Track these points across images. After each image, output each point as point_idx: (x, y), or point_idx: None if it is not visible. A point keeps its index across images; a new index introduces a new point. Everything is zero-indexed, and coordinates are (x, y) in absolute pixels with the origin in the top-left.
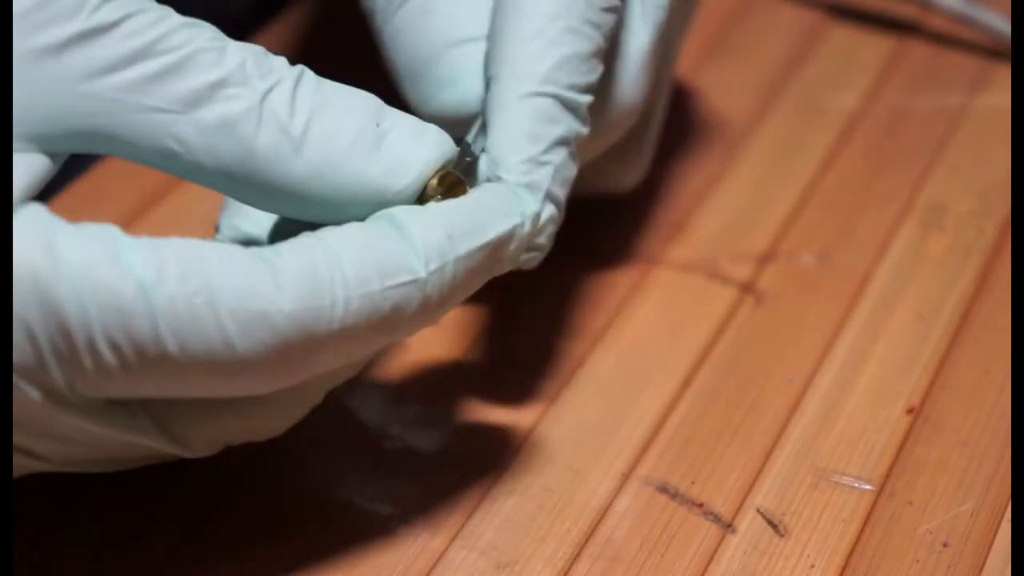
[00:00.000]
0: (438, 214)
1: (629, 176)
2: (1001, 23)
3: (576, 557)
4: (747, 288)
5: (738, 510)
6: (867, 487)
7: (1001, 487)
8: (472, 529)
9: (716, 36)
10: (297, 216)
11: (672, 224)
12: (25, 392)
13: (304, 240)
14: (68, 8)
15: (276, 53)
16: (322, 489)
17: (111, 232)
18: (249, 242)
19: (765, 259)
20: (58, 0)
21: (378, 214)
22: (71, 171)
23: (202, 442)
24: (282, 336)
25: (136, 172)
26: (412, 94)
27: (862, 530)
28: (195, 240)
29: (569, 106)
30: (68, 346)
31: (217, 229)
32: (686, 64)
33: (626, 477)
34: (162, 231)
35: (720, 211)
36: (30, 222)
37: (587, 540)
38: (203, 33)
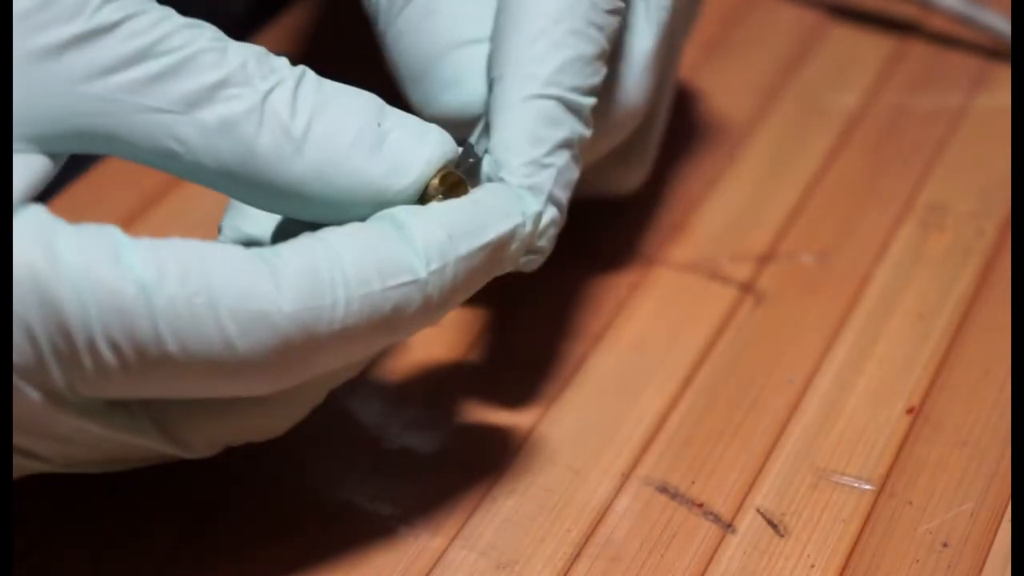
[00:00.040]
0: (439, 214)
1: (631, 178)
2: (1001, 23)
3: (576, 557)
4: (747, 288)
5: (738, 510)
6: (867, 487)
7: (1001, 487)
8: (472, 529)
9: (716, 36)
10: (298, 216)
11: (672, 224)
12: (25, 393)
13: (305, 240)
14: (69, 9)
15: (277, 53)
16: (322, 489)
17: (111, 233)
18: (251, 243)
19: (765, 259)
20: (59, 1)
21: (379, 214)
22: (71, 171)
23: (202, 443)
24: (282, 336)
25: (136, 172)
26: (414, 95)
27: (862, 530)
28: (195, 241)
29: (572, 108)
30: (68, 347)
31: (220, 230)
32: (686, 64)
33: (626, 477)
34: (162, 231)
35: (720, 211)
36: (30, 223)
37: (587, 540)
38: (204, 34)
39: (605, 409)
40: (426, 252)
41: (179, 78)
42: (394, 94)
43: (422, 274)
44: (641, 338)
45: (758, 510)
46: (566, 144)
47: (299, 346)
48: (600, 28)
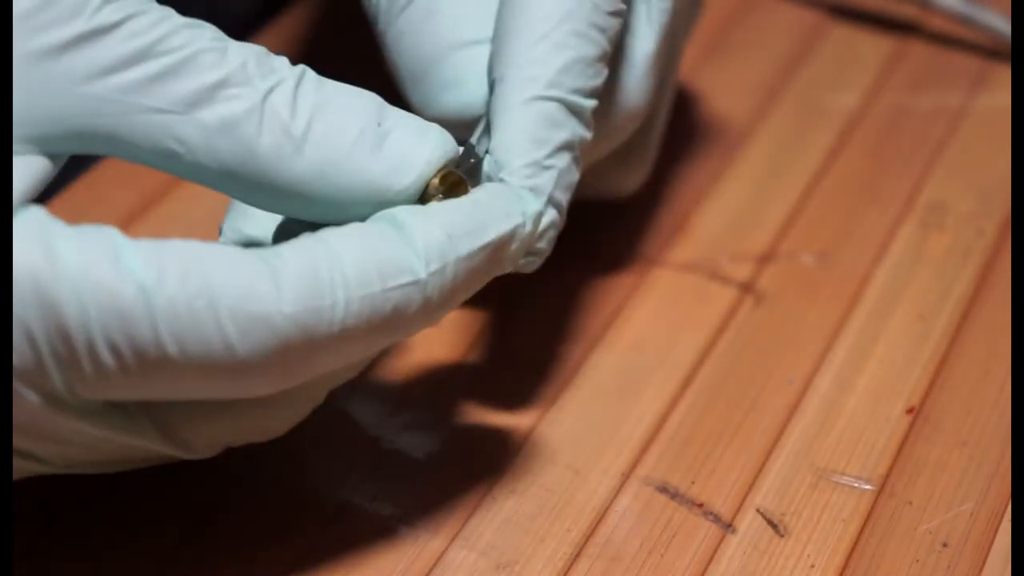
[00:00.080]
0: (439, 214)
1: (631, 180)
2: (1001, 23)
3: (576, 557)
4: (747, 288)
5: (738, 510)
6: (867, 487)
7: (1001, 487)
8: (472, 529)
9: (716, 36)
10: (299, 216)
11: (672, 224)
12: (24, 395)
13: (305, 241)
14: (69, 10)
15: (277, 53)
16: (322, 489)
17: (111, 234)
18: (252, 244)
19: (765, 259)
20: (59, 2)
21: (379, 214)
22: (71, 172)
23: (202, 444)
24: (282, 338)
25: (136, 172)
26: (415, 96)
27: (862, 530)
28: (195, 242)
29: (574, 110)
30: (67, 349)
31: (220, 232)
32: (686, 64)
33: (626, 477)
34: (162, 231)
35: (720, 211)
36: (30, 225)
37: (587, 540)
38: (204, 34)
39: (605, 409)
40: (426, 253)
41: (179, 78)
42: (394, 94)
43: (422, 275)
44: (641, 338)
45: (758, 510)
46: (567, 146)
47: (299, 347)
48: (602, 30)
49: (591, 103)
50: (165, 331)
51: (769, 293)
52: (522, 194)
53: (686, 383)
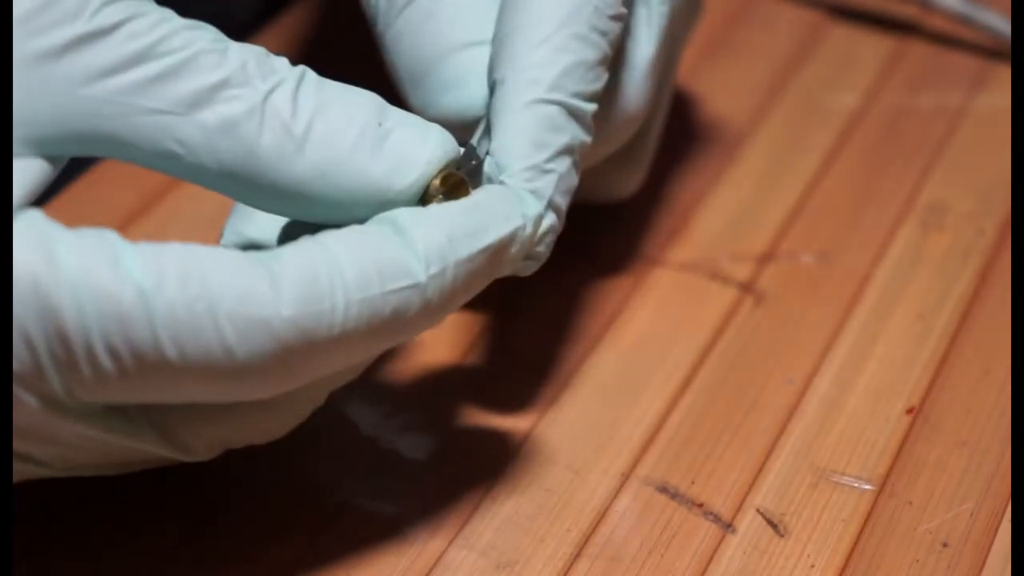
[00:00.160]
0: (439, 216)
1: (628, 183)
2: (1001, 23)
3: (576, 557)
4: (747, 288)
5: (738, 510)
6: (867, 487)
7: (1001, 487)
8: (472, 529)
9: (716, 36)
10: (300, 217)
11: (672, 224)
12: (23, 399)
13: (304, 244)
14: (69, 11)
15: (277, 54)
16: (322, 490)
17: (110, 238)
18: (254, 248)
19: (765, 259)
20: (59, 3)
21: (379, 216)
22: (70, 172)
23: (202, 446)
24: (282, 341)
25: (136, 173)
26: (414, 98)
27: (862, 530)
28: (194, 245)
29: (575, 114)
30: (66, 353)
31: (222, 235)
32: (686, 64)
33: (626, 477)
34: (162, 231)
35: (720, 211)
36: (29, 228)
37: (587, 540)
38: (204, 35)
39: (605, 409)
40: (426, 255)
41: (179, 79)
42: (394, 94)
43: (422, 277)
44: (641, 338)
45: (758, 510)
46: (567, 150)
47: (299, 350)
48: (603, 34)
49: (592, 107)
50: (164, 335)
51: (769, 293)
52: (523, 196)
53: (686, 383)
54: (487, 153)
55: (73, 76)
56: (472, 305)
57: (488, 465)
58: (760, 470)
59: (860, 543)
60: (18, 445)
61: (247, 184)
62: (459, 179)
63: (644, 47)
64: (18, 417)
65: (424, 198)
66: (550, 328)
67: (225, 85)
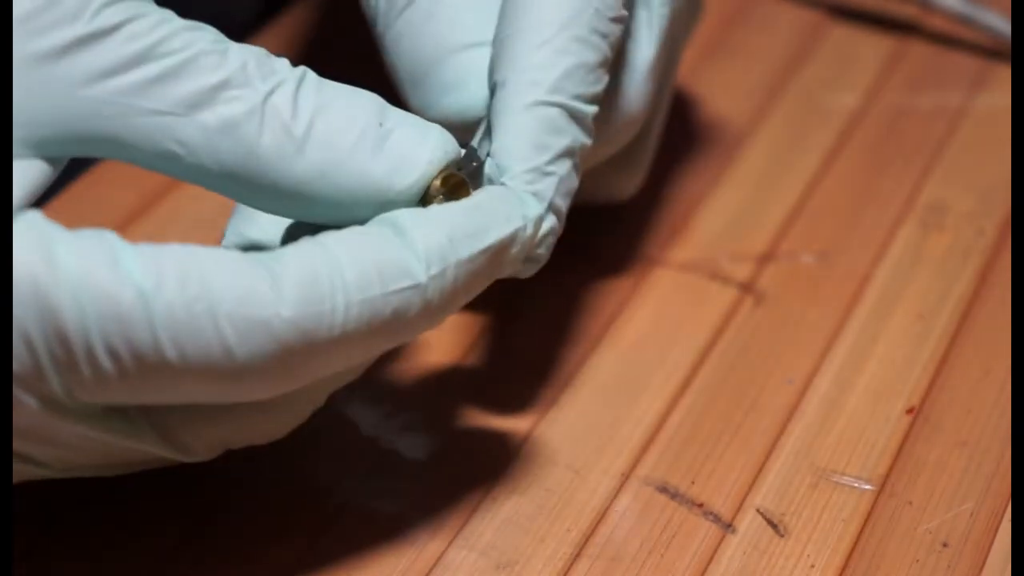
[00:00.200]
0: (439, 217)
1: (627, 185)
2: (1001, 23)
3: (576, 557)
4: (747, 288)
5: (738, 510)
6: (867, 487)
7: (1001, 487)
8: (472, 529)
9: (716, 37)
10: (301, 217)
11: (672, 225)
12: (23, 400)
13: (304, 245)
14: (69, 12)
15: (278, 55)
16: (322, 490)
17: (110, 239)
18: (255, 249)
19: (765, 259)
20: (59, 4)
21: (379, 217)
22: (70, 172)
23: (202, 447)
24: (282, 343)
25: (136, 173)
26: (414, 99)
27: (862, 530)
28: (194, 246)
29: (575, 117)
30: (66, 354)
31: (224, 235)
32: (685, 65)
33: (626, 477)
34: (162, 231)
35: (720, 211)
36: (29, 229)
37: (587, 540)
38: (204, 36)
39: (605, 409)
40: (427, 256)
41: (180, 80)
42: (395, 94)
43: (422, 278)
44: (641, 338)
45: (758, 510)
46: (568, 153)
47: (299, 352)
48: (604, 36)
49: (592, 109)
50: (164, 336)
51: (769, 293)
52: (523, 197)
53: (686, 383)
54: (488, 155)
55: (73, 77)
56: (472, 306)
57: (488, 465)
58: (760, 470)
59: (860, 543)
60: (18, 446)
61: (247, 185)
62: (460, 180)
63: (645, 49)
64: (18, 418)
65: (425, 198)
66: (550, 328)
67: (225, 86)
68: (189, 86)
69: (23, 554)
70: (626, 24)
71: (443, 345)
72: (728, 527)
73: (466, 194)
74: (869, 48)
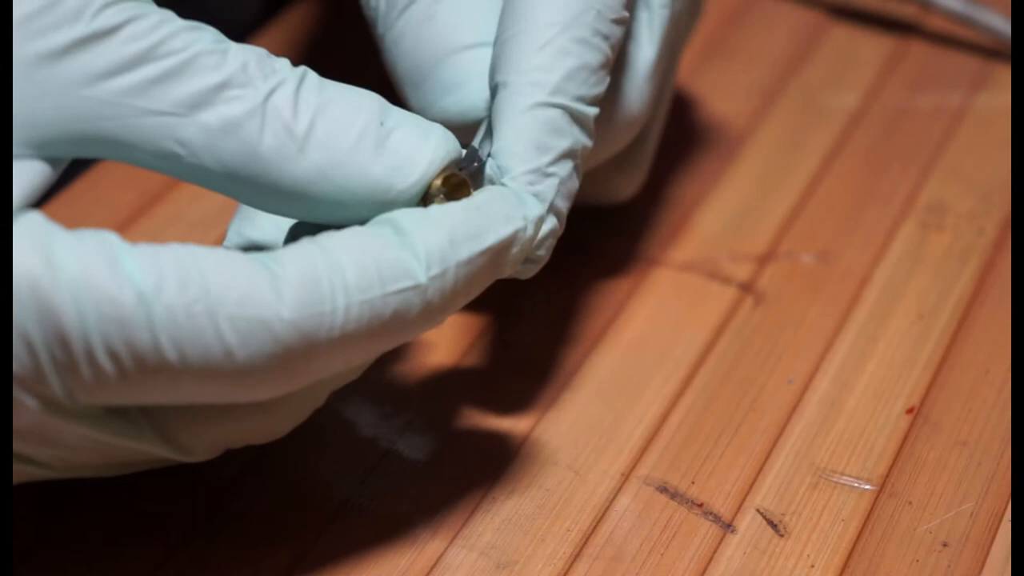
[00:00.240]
0: (440, 218)
1: (627, 186)
2: (1001, 23)
3: (576, 557)
4: (747, 288)
5: (738, 510)
6: (867, 487)
7: (1001, 487)
8: (472, 529)
9: (716, 37)
10: (301, 217)
11: (672, 225)
12: (23, 401)
13: (304, 245)
14: (70, 13)
15: (278, 55)
16: (322, 490)
17: (110, 240)
18: (256, 249)
19: (765, 259)
20: (60, 5)
21: (379, 218)
22: (70, 172)
23: (202, 447)
24: (282, 343)
25: (136, 173)
26: (414, 100)
27: (862, 530)
28: (195, 247)
29: (576, 118)
30: (66, 355)
31: (226, 236)
32: (685, 65)
33: (626, 477)
34: (161, 232)
35: (720, 211)
36: (29, 230)
37: (587, 540)
38: (205, 36)
39: (605, 409)
40: (427, 257)
41: (180, 80)
42: (395, 94)
43: (422, 279)
44: (641, 338)
45: (758, 510)
46: (569, 154)
47: (299, 353)
48: (605, 37)
49: (593, 111)
50: (164, 337)
51: (769, 293)
52: (524, 198)
53: (686, 383)
54: (489, 155)
55: (74, 78)
56: (472, 306)
57: (488, 465)
58: (760, 470)
59: (860, 543)
60: (18, 447)
61: (248, 185)
62: (460, 179)
63: (645, 50)
64: (18, 419)
65: (425, 198)
66: (550, 329)
67: (226, 86)
68: (190, 86)
69: (23, 555)
70: (627, 25)
71: (443, 345)
72: (728, 527)
73: (467, 194)
74: (869, 48)
